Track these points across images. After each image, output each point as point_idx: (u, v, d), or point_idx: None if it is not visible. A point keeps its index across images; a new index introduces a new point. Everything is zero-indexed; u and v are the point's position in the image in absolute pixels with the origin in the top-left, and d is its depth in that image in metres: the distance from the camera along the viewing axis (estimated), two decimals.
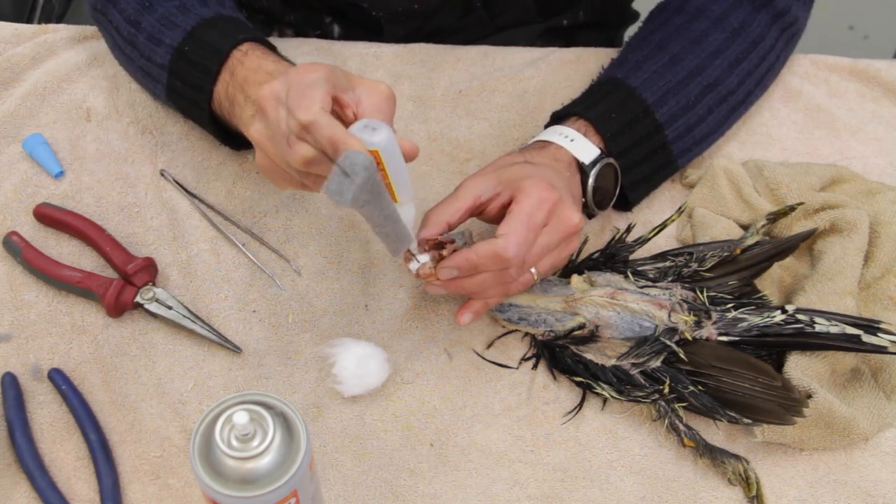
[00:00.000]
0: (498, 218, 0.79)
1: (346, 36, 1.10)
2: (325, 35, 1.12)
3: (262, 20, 1.15)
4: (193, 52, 0.85)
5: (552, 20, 1.13)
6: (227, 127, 0.88)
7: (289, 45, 1.04)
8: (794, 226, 0.88)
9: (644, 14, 1.00)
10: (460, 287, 0.78)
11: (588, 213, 0.87)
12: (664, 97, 0.88)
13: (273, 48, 0.86)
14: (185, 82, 0.87)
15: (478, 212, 0.80)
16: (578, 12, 1.14)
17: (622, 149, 0.86)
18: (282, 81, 0.70)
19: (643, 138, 0.87)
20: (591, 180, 0.84)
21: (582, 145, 0.84)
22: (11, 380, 0.80)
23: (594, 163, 0.84)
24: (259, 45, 0.85)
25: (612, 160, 0.86)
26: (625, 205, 0.91)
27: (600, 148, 0.85)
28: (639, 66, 0.90)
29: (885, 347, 0.78)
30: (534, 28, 1.13)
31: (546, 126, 0.90)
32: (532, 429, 0.80)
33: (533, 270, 0.79)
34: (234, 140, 0.92)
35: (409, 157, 0.71)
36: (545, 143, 0.85)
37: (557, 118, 0.89)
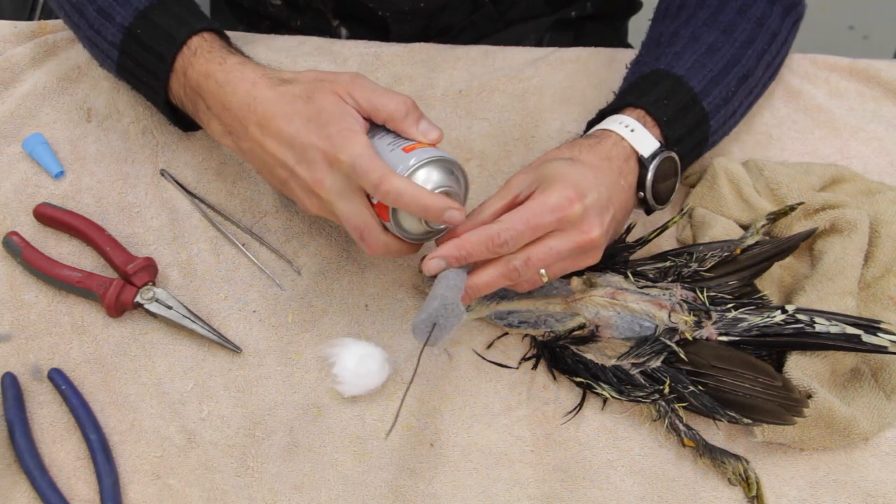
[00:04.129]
0: None
1: (354, 39, 1.10)
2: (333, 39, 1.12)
3: (268, 26, 1.15)
4: (146, 36, 0.85)
5: (560, 12, 1.13)
6: (182, 111, 0.89)
7: (290, 44, 1.04)
8: (794, 226, 0.88)
9: (648, 4, 0.99)
10: (471, 289, 0.76)
11: (647, 208, 0.85)
12: (708, 86, 0.86)
13: (224, 38, 0.86)
14: (138, 64, 0.86)
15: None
16: (586, 3, 1.14)
17: (678, 136, 0.84)
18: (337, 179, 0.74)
19: (693, 127, 0.85)
20: (650, 174, 0.82)
21: (642, 136, 0.82)
22: (11, 380, 0.80)
23: (654, 155, 0.82)
24: (208, 38, 0.84)
25: (672, 154, 0.83)
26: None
27: (658, 139, 0.83)
28: (679, 57, 0.87)
29: (885, 347, 0.78)
30: (542, 21, 1.13)
31: (590, 123, 0.88)
32: (532, 429, 0.80)
33: (543, 272, 0.76)
34: (186, 122, 0.91)
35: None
36: (603, 134, 0.82)
37: (605, 113, 0.86)
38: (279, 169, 0.78)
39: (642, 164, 0.82)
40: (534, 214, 0.74)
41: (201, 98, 0.83)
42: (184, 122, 0.92)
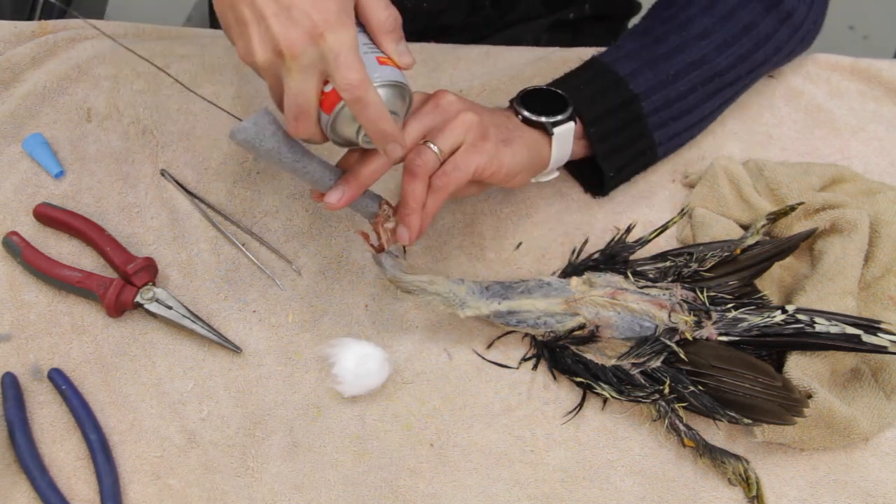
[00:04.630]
0: None
1: None
2: None
3: None
4: None
5: (558, 14, 1.14)
6: None
7: None
8: (794, 226, 0.88)
9: (646, 5, 1.00)
10: (357, 181, 0.76)
11: (594, 190, 0.90)
12: (639, 69, 0.88)
13: None
14: None
15: None
16: (584, 5, 1.14)
17: (594, 115, 0.86)
18: (314, 51, 0.70)
19: (618, 107, 0.87)
20: (554, 136, 0.84)
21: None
22: (11, 380, 0.80)
23: (556, 123, 0.84)
24: None
25: (577, 121, 0.85)
26: (601, 187, 0.92)
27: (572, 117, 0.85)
28: (619, 49, 0.91)
29: (885, 347, 0.78)
30: (540, 22, 1.13)
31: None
32: (532, 429, 0.80)
33: (433, 146, 0.77)
34: None
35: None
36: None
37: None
38: (245, 7, 0.71)
39: (547, 131, 0.84)
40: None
41: None
42: None
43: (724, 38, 0.91)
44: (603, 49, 0.93)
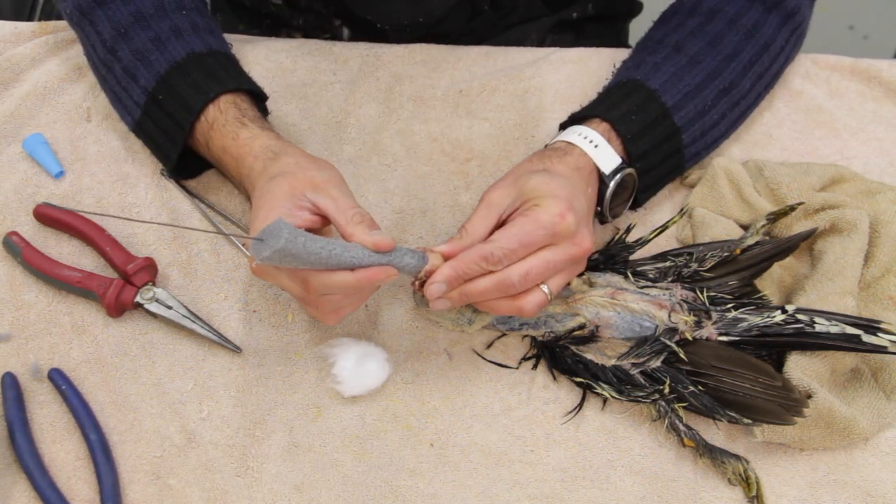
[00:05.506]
0: None
1: (356, 38, 1.10)
2: (335, 38, 1.11)
3: (269, 24, 1.14)
4: (167, 103, 0.87)
5: (561, 13, 1.13)
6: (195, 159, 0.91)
7: (289, 46, 1.04)
8: (794, 226, 0.88)
9: (648, 6, 0.99)
10: (464, 297, 0.76)
11: (601, 219, 0.87)
12: (683, 100, 0.87)
13: (243, 99, 0.87)
14: (157, 126, 0.88)
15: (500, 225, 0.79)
16: (587, 5, 1.14)
17: (641, 152, 0.85)
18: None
19: (662, 141, 0.87)
20: (608, 191, 0.83)
21: (604, 153, 0.83)
22: (11, 380, 0.80)
23: (615, 172, 0.83)
24: (223, 106, 0.85)
25: (631, 170, 0.85)
26: (631, 205, 0.91)
27: (620, 154, 0.84)
28: (657, 68, 0.89)
29: (885, 347, 0.78)
30: (543, 22, 1.13)
31: (562, 125, 0.89)
32: (532, 429, 0.80)
33: (546, 289, 0.76)
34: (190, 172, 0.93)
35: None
36: (567, 147, 0.84)
37: (576, 119, 0.88)
38: None
39: (602, 179, 0.84)
40: (526, 233, 0.74)
41: (226, 169, 0.86)
42: (187, 172, 0.93)
43: (749, 57, 0.90)
44: (608, 47, 0.91)
